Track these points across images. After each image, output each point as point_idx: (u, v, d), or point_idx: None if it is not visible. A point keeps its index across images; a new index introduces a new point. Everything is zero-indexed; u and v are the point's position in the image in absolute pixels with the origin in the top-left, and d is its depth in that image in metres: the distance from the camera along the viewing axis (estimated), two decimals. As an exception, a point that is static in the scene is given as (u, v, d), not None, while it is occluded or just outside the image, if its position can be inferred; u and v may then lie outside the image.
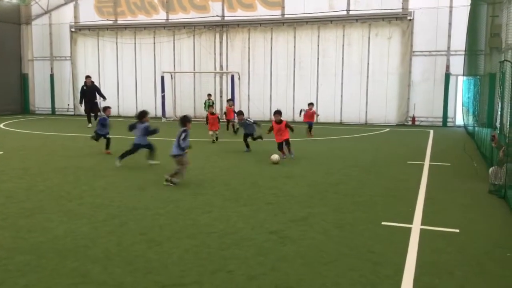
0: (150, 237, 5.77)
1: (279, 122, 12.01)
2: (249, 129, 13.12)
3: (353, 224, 6.39)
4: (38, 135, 17.23)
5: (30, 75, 28.78)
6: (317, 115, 17.95)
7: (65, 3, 27.31)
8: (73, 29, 27.29)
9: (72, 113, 27.78)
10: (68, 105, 27.99)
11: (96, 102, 20.69)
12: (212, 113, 15.34)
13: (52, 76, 28.31)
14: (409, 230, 6.12)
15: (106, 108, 13.74)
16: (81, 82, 27.62)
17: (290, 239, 5.74)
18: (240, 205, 7.37)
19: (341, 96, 23.17)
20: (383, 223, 6.43)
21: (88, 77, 21.43)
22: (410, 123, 22.10)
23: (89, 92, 20.77)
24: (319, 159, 11.99)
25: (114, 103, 27.02)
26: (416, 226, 6.28)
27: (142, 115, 10.79)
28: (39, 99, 28.92)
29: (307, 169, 10.57)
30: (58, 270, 4.73)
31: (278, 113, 12.18)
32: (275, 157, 11.31)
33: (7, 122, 22.36)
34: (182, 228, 6.16)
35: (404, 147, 14.57)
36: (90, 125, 19.74)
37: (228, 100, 19.91)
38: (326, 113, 23.06)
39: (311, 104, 17.58)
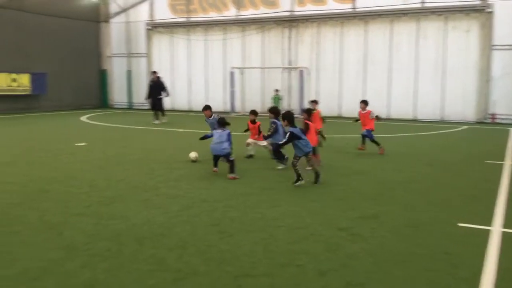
0: (221, 229, 5.93)
1: (253, 122, 11.07)
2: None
3: (426, 224, 6.19)
4: (117, 128, 18.16)
5: (109, 71, 30.34)
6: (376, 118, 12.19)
7: (141, 1, 28.48)
8: (148, 27, 28.42)
9: (147, 107, 28.92)
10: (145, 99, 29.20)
11: (159, 98, 20.33)
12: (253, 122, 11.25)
13: (129, 72, 29.68)
14: (488, 232, 5.83)
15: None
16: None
17: (359, 237, 5.67)
18: (308, 201, 7.37)
19: (416, 91, 22.37)
20: (459, 224, 6.18)
21: (153, 72, 21.42)
22: (489, 120, 20.92)
23: (154, 88, 20.56)
24: (391, 156, 11.69)
25: (185, 98, 27.91)
26: (496, 229, 5.98)
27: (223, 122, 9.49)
28: (117, 94, 30.43)
29: (377, 166, 10.35)
30: (137, 256, 5.00)
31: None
32: (192, 154, 10.66)
33: (89, 115, 23.76)
34: (251, 221, 6.27)
35: (482, 146, 13.84)
36: (157, 121, 19.72)
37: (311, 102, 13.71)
38: (398, 109, 22.43)
39: (362, 102, 12.32)
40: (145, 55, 28.90)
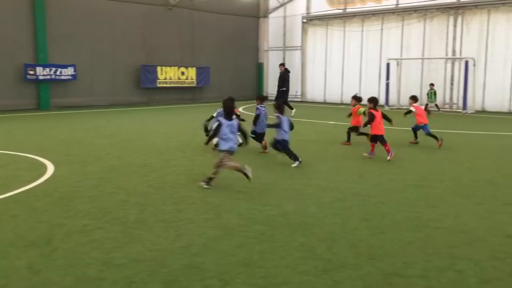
0: (372, 224, 5.77)
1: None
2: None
3: None
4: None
5: (265, 64, 31.57)
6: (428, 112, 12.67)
7: (299, -4, 29.03)
8: (304, 20, 28.83)
9: (300, 99, 29.51)
10: (296, 92, 29.82)
11: (281, 91, 19.69)
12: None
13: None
14: None
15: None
16: (309, 71, 29.23)
17: (533, 247, 5.03)
18: (473, 203, 6.76)
19: None
20: None
21: (281, 65, 20.78)
22: None
23: (279, 80, 20.24)
24: None
25: (338, 91, 27.72)
26: None
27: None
28: (272, 86, 31.50)
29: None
30: (289, 242, 5.13)
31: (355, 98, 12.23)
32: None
33: (244, 106, 25.07)
34: (405, 219, 5.98)
35: None
36: (292, 112, 18.77)
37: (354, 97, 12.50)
38: None
39: (412, 98, 12.04)
40: (300, 48, 29.39)
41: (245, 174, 7.41)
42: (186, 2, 26.19)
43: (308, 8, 28.74)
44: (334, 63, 27.93)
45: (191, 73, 27.23)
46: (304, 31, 29.06)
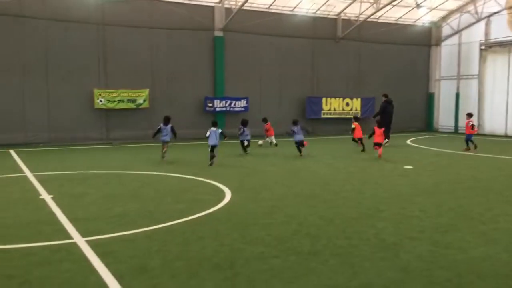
0: None
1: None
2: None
3: None
4: (442, 153, 17.57)
5: (436, 94, 29.81)
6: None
7: (477, 21, 26.95)
8: (483, 47, 26.61)
9: (477, 132, 27.05)
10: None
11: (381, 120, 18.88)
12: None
13: (457, 95, 28.47)
14: None
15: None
16: (488, 101, 26.73)
17: None
18: None
19: None
20: None
21: (384, 95, 21.11)
22: None
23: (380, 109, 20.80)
24: None
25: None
26: None
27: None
28: (443, 117, 29.58)
29: None
30: (480, 294, 4.59)
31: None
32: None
33: (413, 138, 23.90)
34: None
35: None
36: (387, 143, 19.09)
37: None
38: None
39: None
40: (477, 76, 27.12)
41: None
42: (354, 34, 26.28)
43: (487, 34, 26.49)
44: (518, 93, 25.11)
45: (356, 104, 27.03)
46: (482, 59, 26.77)
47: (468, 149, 17.55)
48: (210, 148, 13.86)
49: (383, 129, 16.39)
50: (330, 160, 15.30)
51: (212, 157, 13.74)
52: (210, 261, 5.48)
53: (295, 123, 16.52)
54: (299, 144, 16.10)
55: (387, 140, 19.47)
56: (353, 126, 18.67)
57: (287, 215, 7.74)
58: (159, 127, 14.92)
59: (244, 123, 17.03)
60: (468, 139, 17.81)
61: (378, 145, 15.91)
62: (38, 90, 19.78)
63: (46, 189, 9.78)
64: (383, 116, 20.33)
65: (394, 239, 6.40)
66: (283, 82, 25.27)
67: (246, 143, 16.78)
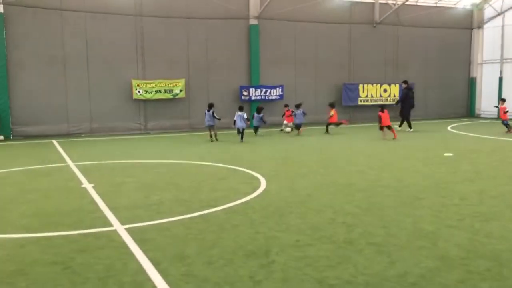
0: None
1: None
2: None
3: None
4: (483, 139, 17.01)
5: (478, 79, 28.80)
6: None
7: (522, 1, 25.81)
8: (528, 28, 25.49)
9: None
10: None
11: (402, 107, 20.75)
12: None
13: (500, 79, 27.41)
14: None
15: None
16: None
17: None
18: None
19: None
20: None
21: (404, 82, 21.50)
22: None
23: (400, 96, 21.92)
24: None
25: None
26: None
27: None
28: (485, 103, 28.57)
29: None
30: (523, 285, 4.45)
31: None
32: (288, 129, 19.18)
33: (454, 124, 23.22)
34: None
35: None
36: (407, 130, 19.93)
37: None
38: None
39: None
40: (522, 59, 26.04)
41: None
42: (392, 19, 25.64)
43: (533, 14, 25.36)
44: None
45: (394, 90, 26.43)
46: (527, 41, 25.66)
47: (510, 131, 18.23)
48: (237, 130, 16.84)
49: (386, 110, 17.50)
50: (365, 148, 15.07)
51: (241, 137, 16.70)
52: (245, 249, 5.53)
53: (297, 106, 19.10)
54: (296, 127, 18.95)
55: (411, 129, 20.16)
56: (331, 113, 19.58)
57: (323, 204, 7.69)
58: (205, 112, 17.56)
59: (258, 110, 19.30)
60: (505, 124, 18.51)
61: (388, 127, 17.18)
62: (79, 82, 20.32)
63: (87, 178, 10.09)
64: (405, 103, 20.88)
65: (432, 228, 6.26)
66: (319, 69, 24.98)
67: (255, 130, 19.09)
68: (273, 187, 9.04)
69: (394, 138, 16.89)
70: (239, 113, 17.03)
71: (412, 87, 21.59)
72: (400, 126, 20.67)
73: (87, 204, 7.90)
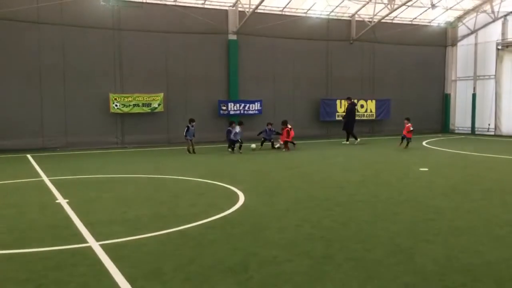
0: None
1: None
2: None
3: None
4: (458, 154, 17.37)
5: (452, 95, 29.47)
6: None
7: (493, 21, 26.61)
8: (499, 47, 26.26)
9: (493, 133, 26.73)
10: (489, 124, 27.11)
11: (346, 122, 22.17)
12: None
13: (474, 95, 28.12)
14: None
15: None
16: (505, 101, 26.33)
17: None
18: None
19: None
20: None
21: (347, 98, 22.87)
22: None
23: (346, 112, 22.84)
24: None
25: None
26: None
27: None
28: (459, 119, 29.23)
29: None
30: (497, 299, 4.51)
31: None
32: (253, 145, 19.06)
33: (429, 140, 23.65)
34: None
35: None
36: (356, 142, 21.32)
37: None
38: None
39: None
40: (493, 77, 26.76)
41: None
42: (368, 35, 26.11)
43: (503, 33, 26.16)
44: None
45: (371, 105, 26.86)
46: (499, 59, 26.40)
47: (402, 146, 19.35)
48: (238, 143, 18.21)
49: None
50: (344, 163, 15.20)
51: (232, 148, 18.12)
52: (223, 265, 5.49)
53: (267, 124, 20.01)
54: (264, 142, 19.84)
55: (358, 139, 21.58)
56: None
57: (301, 219, 7.71)
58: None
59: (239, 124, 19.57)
60: (408, 140, 19.45)
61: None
62: (55, 95, 20.02)
63: (62, 194, 9.90)
64: (350, 118, 22.37)
65: (409, 243, 6.33)
66: (297, 85, 25.20)
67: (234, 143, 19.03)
68: (251, 202, 9.02)
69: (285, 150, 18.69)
70: (238, 127, 18.32)
71: (355, 104, 23.46)
72: (347, 141, 21.96)
73: (61, 220, 7.74)
